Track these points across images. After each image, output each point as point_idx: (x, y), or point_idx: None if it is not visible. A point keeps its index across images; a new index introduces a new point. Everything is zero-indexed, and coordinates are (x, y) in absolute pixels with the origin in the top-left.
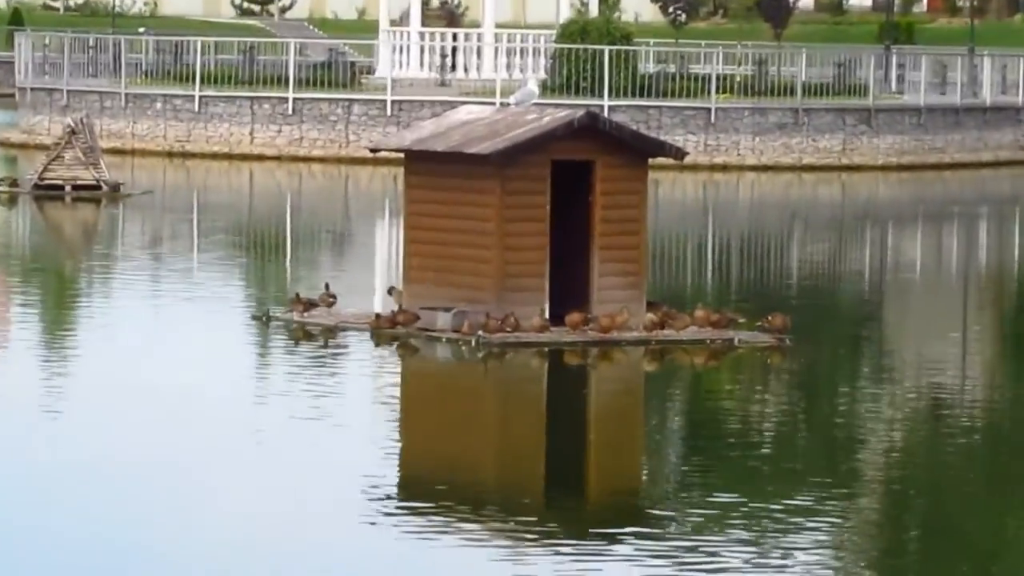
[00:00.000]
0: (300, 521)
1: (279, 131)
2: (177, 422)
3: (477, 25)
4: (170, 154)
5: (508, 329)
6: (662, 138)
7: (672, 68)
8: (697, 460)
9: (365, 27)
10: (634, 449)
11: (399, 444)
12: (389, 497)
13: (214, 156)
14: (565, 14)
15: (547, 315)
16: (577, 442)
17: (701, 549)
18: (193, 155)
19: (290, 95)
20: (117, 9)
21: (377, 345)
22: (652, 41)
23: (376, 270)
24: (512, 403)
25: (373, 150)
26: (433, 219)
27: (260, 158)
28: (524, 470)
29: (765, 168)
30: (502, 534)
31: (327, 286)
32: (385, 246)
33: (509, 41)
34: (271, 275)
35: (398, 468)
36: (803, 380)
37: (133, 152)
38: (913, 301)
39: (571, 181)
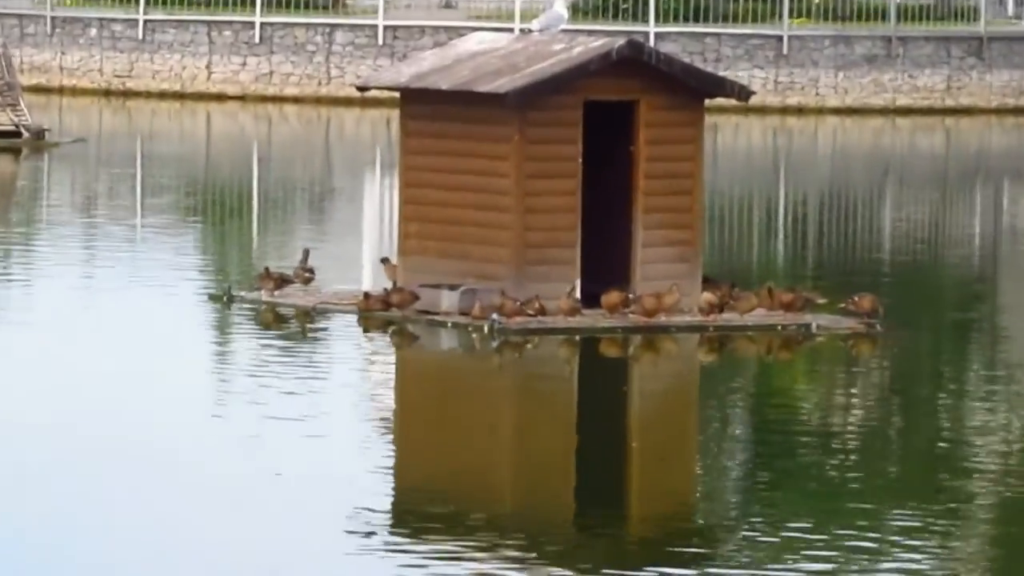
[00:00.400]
0: (269, 560)
1: (243, 64)
2: (113, 437)
3: None
4: (108, 93)
5: (530, 312)
6: (721, 74)
7: None
8: (766, 476)
9: None
10: (686, 463)
11: (393, 458)
12: (380, 524)
13: (162, 95)
14: None
15: (578, 295)
16: (615, 455)
17: None
18: (136, 94)
19: (257, 19)
20: None
21: (366, 332)
22: None
23: (365, 238)
24: (534, 405)
25: (361, 88)
26: (436, 174)
27: (219, 98)
28: (549, 490)
29: (850, 111)
30: (522, 570)
31: (305, 257)
32: (376, 208)
33: None
34: (233, 244)
35: (392, 488)
36: (897, 376)
37: (61, 90)
38: None
39: (609, 127)
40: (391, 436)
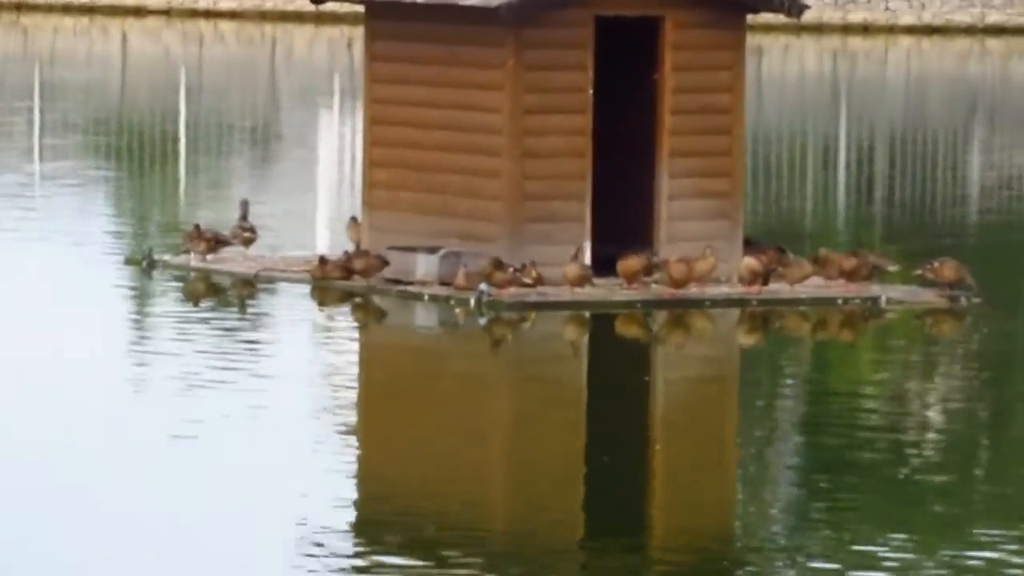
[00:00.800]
0: None
1: None
2: (11, 431)
3: None
4: None
5: (527, 282)
6: None
7: None
8: (824, 490)
9: None
10: (723, 474)
11: (354, 467)
12: (336, 553)
13: (66, 9)
14: None
15: (588, 260)
16: (633, 463)
17: None
18: (33, 7)
19: None
20: None
21: (322, 306)
22: None
23: (320, 189)
24: (532, 400)
25: (315, 0)
26: (409, 109)
27: (138, 12)
28: (551, 508)
29: (929, 31)
30: None
31: (244, 212)
32: (334, 151)
33: None
34: (155, 196)
35: (353, 504)
36: (986, 361)
37: None
38: None
39: (626, 50)
40: (352, 440)
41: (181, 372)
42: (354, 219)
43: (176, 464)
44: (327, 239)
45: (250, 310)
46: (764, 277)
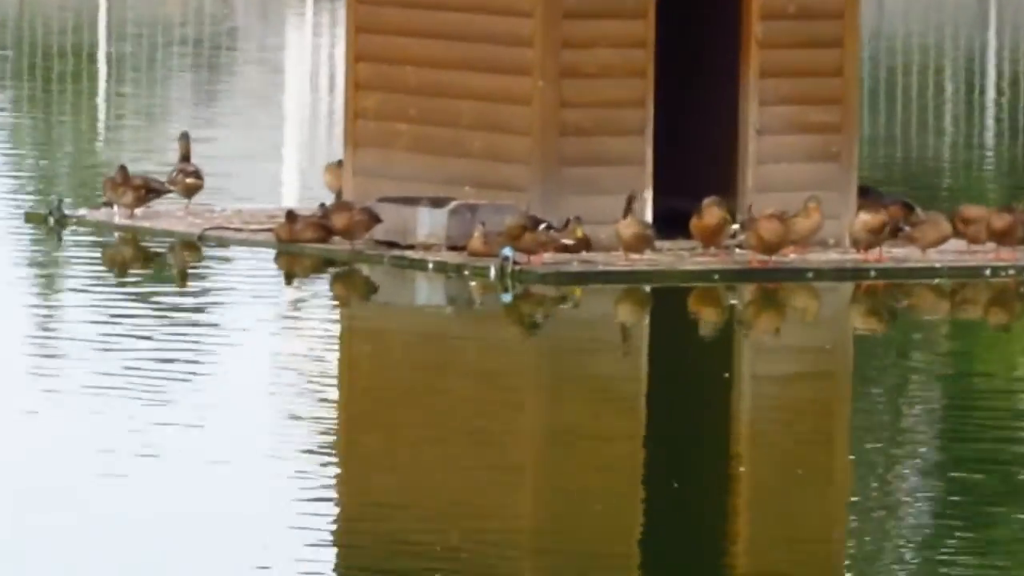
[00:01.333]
0: None
1: None
2: None
3: None
4: None
5: (567, 244)
6: None
7: None
8: (963, 527)
9: None
10: (829, 505)
11: (335, 490)
12: None
13: None
14: None
15: (649, 216)
16: (710, 491)
17: None
18: None
19: None
20: None
21: (290, 278)
22: None
23: (286, 120)
24: (576, 406)
25: None
26: (408, 11)
27: None
28: (600, 552)
29: None
30: None
31: (184, 149)
32: (305, 70)
33: None
34: (66, 131)
35: (332, 534)
36: None
37: None
38: None
39: None
40: (333, 455)
41: (100, 363)
42: (337, 162)
43: (92, 477)
44: (296, 188)
45: (193, 284)
46: (886, 238)
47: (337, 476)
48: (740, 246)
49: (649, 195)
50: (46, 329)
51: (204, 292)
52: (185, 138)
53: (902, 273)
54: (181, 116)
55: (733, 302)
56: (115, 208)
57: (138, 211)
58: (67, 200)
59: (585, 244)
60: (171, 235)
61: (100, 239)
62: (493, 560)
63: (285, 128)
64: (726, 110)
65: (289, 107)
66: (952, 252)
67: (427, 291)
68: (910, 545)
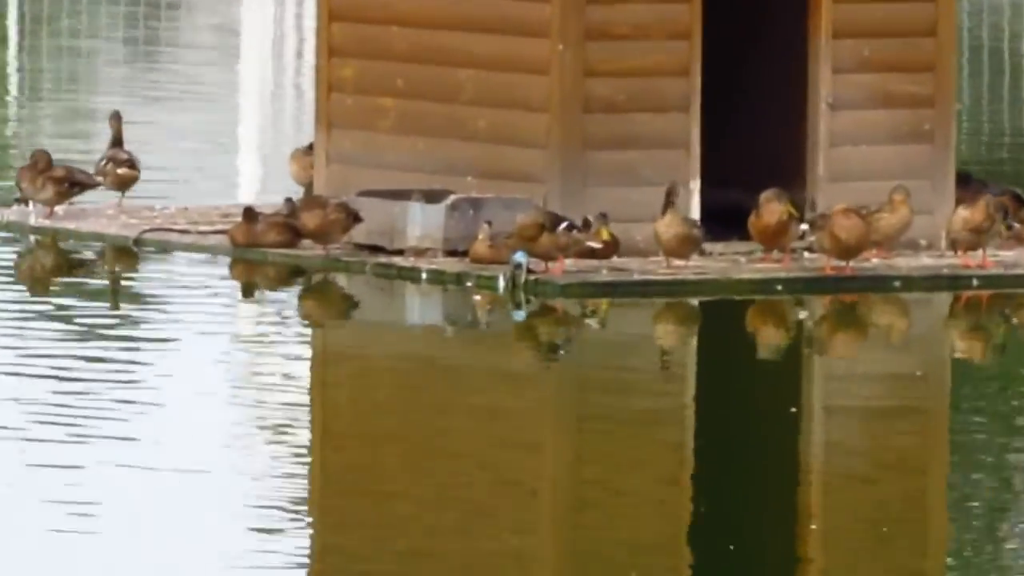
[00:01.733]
0: None
1: None
2: None
3: None
4: None
5: (594, 247)
6: None
7: None
8: None
9: None
10: (923, 562)
11: (308, 549)
12: None
13: None
14: None
15: (696, 212)
16: (775, 550)
17: None
18: None
19: None
20: None
21: (249, 291)
22: None
23: (242, 96)
24: (607, 448)
25: None
26: None
27: None
28: None
29: None
30: None
31: (116, 133)
32: (267, 33)
33: None
34: None
35: None
36: None
37: None
38: None
39: None
40: (304, 510)
41: (18, 400)
42: (306, 148)
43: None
44: (256, 179)
45: (128, 300)
46: (992, 238)
47: (310, 519)
48: (810, 249)
49: (696, 186)
50: None
51: (140, 311)
52: (117, 118)
53: (1011, 281)
54: (112, 91)
55: (802, 318)
56: (31, 206)
57: (59, 209)
58: None
59: (615, 247)
60: (101, 239)
61: (13, 243)
62: None
63: (241, 104)
64: (791, 80)
65: (247, 78)
66: None
67: (420, 308)
68: None
